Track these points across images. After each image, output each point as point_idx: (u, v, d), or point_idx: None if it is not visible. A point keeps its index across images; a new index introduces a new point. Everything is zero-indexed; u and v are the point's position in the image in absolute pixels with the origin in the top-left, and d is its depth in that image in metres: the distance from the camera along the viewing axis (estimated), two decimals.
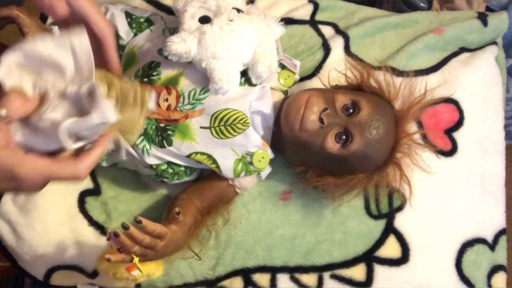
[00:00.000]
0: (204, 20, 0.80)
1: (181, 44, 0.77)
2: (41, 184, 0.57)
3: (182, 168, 0.85)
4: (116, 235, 0.65)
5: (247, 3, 0.89)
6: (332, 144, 0.80)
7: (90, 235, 0.90)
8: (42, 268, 0.91)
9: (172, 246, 0.74)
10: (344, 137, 0.80)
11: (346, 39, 0.99)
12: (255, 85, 0.84)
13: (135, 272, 0.71)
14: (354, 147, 0.79)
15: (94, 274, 0.90)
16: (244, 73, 0.83)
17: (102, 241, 0.89)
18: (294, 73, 0.91)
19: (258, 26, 0.81)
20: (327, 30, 1.01)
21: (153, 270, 0.76)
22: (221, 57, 0.78)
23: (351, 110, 0.81)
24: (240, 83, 0.83)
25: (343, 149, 0.80)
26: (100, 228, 0.90)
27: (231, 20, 0.79)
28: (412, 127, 0.91)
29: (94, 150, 0.57)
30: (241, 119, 0.81)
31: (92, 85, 0.54)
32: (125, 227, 0.65)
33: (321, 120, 0.79)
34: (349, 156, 0.80)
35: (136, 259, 0.68)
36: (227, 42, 0.78)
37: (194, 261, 0.88)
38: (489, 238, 0.92)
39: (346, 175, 0.83)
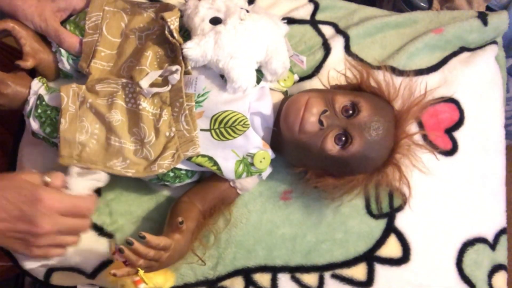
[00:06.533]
0: (215, 21, 0.80)
1: (196, 49, 0.78)
2: (59, 210, 0.69)
3: (183, 172, 0.84)
4: (121, 251, 0.67)
5: (248, 3, 0.89)
6: (331, 146, 0.80)
7: (89, 237, 0.89)
8: (42, 268, 0.90)
9: (177, 255, 0.76)
10: (343, 138, 0.80)
11: (347, 38, 0.99)
12: (254, 85, 0.83)
13: (143, 286, 0.72)
14: (353, 148, 0.79)
15: (93, 275, 0.90)
16: None
17: (101, 242, 0.89)
18: (302, 68, 0.92)
19: (267, 24, 0.81)
20: (327, 30, 1.01)
21: (161, 282, 0.77)
22: (237, 56, 0.78)
23: (351, 112, 0.80)
24: None
25: (342, 150, 0.80)
26: (99, 229, 0.90)
27: (242, 20, 0.79)
28: (412, 127, 0.91)
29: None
30: (240, 121, 0.81)
31: None
32: (129, 242, 0.67)
33: (320, 122, 0.79)
34: (348, 158, 0.80)
35: (141, 272, 0.70)
36: (242, 41, 0.79)
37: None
38: (490, 238, 0.92)
39: (346, 176, 0.83)
